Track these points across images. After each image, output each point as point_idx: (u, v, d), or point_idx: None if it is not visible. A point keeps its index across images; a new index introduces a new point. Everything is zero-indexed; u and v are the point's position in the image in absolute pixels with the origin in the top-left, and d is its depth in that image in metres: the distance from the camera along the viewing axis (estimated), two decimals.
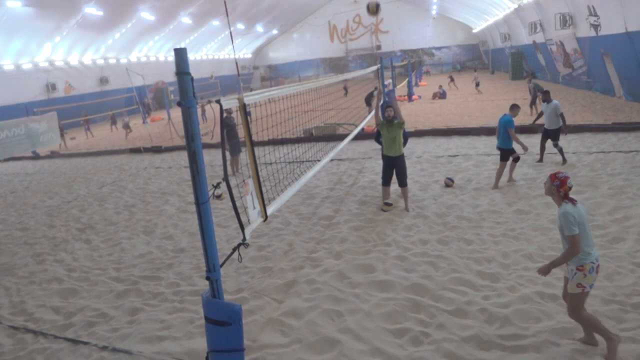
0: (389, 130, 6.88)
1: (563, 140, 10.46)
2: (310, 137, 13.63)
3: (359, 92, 24.29)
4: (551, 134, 8.70)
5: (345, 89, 28.09)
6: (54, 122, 16.24)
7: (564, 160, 8.72)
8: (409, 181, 7.38)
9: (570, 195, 3.35)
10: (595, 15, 16.25)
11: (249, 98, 3.48)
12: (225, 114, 4.27)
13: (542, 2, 21.11)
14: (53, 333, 4.55)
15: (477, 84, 24.69)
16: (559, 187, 3.33)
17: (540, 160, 9.01)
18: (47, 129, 15.74)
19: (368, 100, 18.56)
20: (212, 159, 12.54)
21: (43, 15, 22.74)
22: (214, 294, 2.87)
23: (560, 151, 8.75)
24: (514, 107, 7.74)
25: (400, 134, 6.88)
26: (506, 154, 7.61)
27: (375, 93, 18.20)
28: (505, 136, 7.49)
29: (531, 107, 15.27)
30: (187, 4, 31.08)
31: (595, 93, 18.54)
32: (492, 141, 11.55)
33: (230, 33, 16.50)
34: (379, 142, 7.84)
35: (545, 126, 8.77)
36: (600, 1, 15.54)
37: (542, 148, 8.99)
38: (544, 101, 8.76)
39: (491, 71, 39.20)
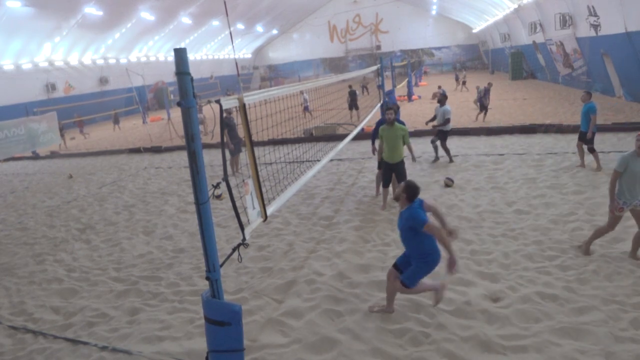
0: (389, 135, 6.78)
1: (562, 140, 10.47)
2: (310, 137, 13.63)
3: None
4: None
5: (364, 87, 27.89)
6: (54, 122, 16.24)
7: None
8: None
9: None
10: (595, 15, 16.24)
11: (249, 98, 3.48)
12: (225, 114, 4.27)
13: (542, 2, 21.09)
14: (53, 333, 4.55)
15: (464, 82, 26.79)
16: None
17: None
18: (47, 129, 15.74)
19: (354, 103, 18.29)
20: (212, 159, 12.53)
21: (43, 15, 22.73)
22: (214, 294, 2.87)
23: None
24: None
25: (401, 141, 6.76)
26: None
27: (353, 91, 18.08)
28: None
29: (483, 111, 14.90)
30: (187, 4, 31.06)
31: (595, 93, 18.53)
32: (492, 141, 11.56)
33: (230, 33, 16.52)
34: (373, 141, 7.85)
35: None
36: (600, 1, 15.53)
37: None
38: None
39: (491, 71, 39.21)
